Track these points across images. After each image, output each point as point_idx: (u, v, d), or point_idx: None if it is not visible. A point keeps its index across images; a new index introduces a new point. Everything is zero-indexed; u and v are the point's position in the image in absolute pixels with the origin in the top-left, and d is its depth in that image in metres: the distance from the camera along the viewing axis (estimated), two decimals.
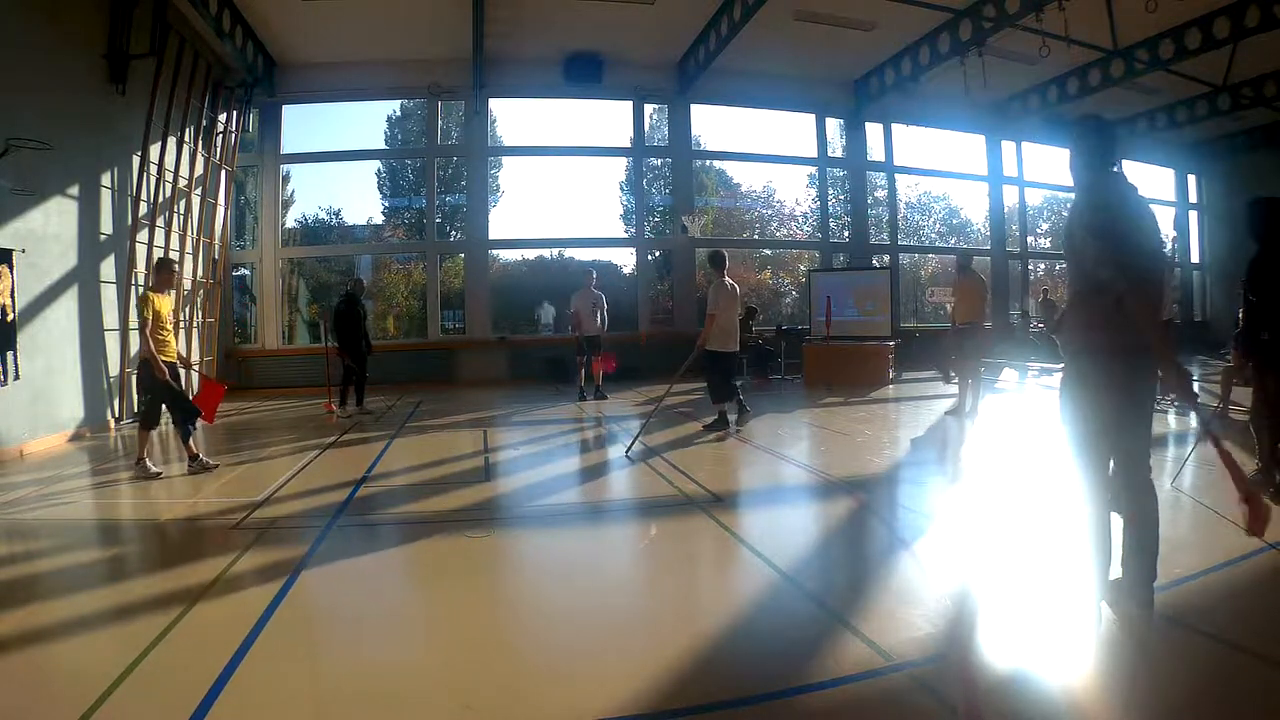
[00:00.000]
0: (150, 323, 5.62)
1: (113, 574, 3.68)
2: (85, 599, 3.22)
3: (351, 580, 3.52)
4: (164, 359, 5.69)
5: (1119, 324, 2.59)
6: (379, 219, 14.59)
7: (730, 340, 7.21)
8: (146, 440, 5.72)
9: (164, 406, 5.83)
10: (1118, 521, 2.76)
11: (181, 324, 10.16)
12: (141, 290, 5.86)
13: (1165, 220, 19.46)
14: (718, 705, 2.24)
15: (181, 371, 6.05)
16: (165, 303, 5.82)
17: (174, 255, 9.91)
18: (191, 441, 5.83)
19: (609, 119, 14.50)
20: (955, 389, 8.18)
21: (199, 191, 10.70)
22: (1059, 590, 2.94)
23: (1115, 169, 2.79)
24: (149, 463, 5.65)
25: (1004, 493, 4.81)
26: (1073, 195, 2.90)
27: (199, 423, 6.11)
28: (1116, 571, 2.77)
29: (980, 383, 8.02)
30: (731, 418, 7.25)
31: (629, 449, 6.20)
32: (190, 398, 6.20)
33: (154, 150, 9.18)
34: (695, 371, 7.56)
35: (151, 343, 5.60)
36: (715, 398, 7.29)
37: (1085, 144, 2.80)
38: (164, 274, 5.95)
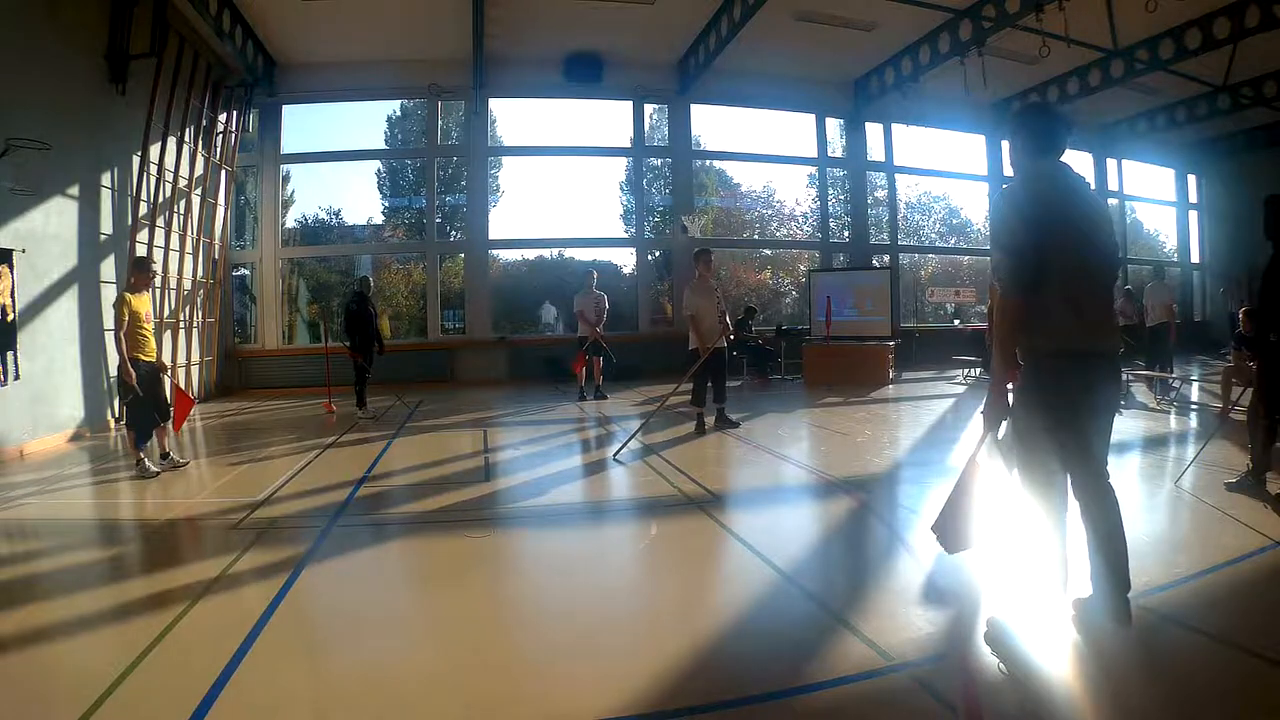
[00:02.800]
0: (127, 324, 5.57)
1: (113, 574, 3.68)
2: (85, 599, 3.22)
3: (352, 580, 3.53)
4: (144, 359, 5.67)
5: (1068, 324, 2.49)
6: (379, 219, 14.60)
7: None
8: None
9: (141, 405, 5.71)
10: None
11: (181, 324, 10.17)
12: (118, 291, 5.80)
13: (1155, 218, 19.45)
14: (718, 705, 2.24)
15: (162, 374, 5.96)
16: (143, 302, 5.78)
17: (174, 254, 9.94)
18: (148, 445, 5.72)
19: (609, 119, 14.51)
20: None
21: (199, 191, 10.71)
22: (1060, 589, 2.94)
23: (1055, 157, 2.63)
24: (148, 462, 5.64)
25: (1007, 491, 4.80)
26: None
27: (169, 428, 6.06)
28: (1073, 589, 2.71)
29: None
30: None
31: (617, 453, 6.18)
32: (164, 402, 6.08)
33: (154, 150, 9.18)
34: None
35: (125, 344, 5.55)
36: (698, 399, 7.41)
37: (1022, 130, 2.66)
38: (141, 273, 5.90)
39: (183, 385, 10.23)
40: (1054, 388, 2.53)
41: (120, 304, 5.63)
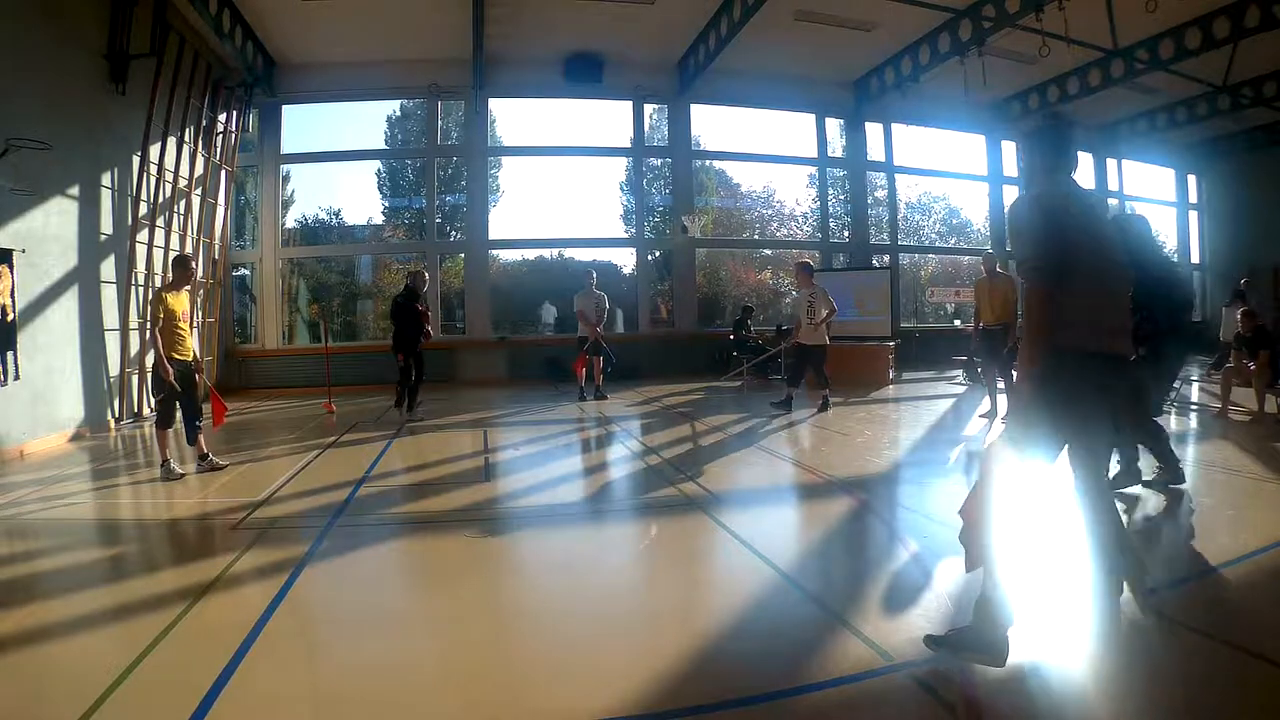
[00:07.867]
0: (161, 321, 5.51)
1: (113, 574, 3.68)
2: (85, 599, 3.22)
3: (351, 580, 3.53)
4: (178, 357, 5.61)
5: (1080, 324, 2.51)
6: (379, 219, 14.58)
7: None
8: (166, 441, 5.62)
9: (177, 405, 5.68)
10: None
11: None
12: (155, 288, 5.76)
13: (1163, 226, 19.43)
14: (717, 705, 2.24)
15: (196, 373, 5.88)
16: (180, 300, 5.69)
17: (174, 254, 9.91)
18: (201, 440, 5.76)
19: (609, 119, 14.51)
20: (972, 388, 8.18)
21: (199, 191, 10.70)
22: (1060, 589, 2.94)
23: (1068, 174, 2.67)
24: (174, 464, 5.54)
25: (1008, 491, 4.80)
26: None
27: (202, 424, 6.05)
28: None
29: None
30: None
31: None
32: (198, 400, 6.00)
33: (154, 150, 9.17)
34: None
35: (160, 341, 5.49)
36: (791, 381, 8.81)
37: (1036, 147, 2.69)
38: (180, 271, 5.82)
39: None
40: (1067, 386, 2.53)
41: (156, 302, 5.57)
